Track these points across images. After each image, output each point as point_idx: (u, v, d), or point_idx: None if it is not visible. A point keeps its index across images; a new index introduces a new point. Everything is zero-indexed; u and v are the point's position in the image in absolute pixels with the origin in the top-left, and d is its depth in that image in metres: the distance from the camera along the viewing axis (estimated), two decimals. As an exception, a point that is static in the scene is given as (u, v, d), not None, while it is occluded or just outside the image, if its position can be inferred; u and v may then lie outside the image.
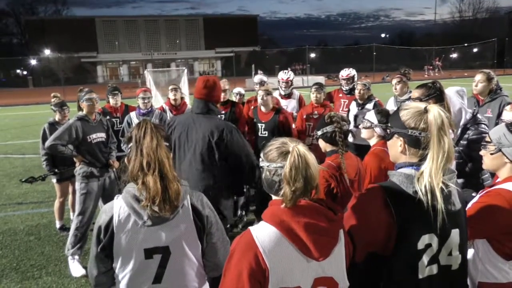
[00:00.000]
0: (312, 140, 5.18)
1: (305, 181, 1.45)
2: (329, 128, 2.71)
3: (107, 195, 4.42)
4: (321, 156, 2.43)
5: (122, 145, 4.82)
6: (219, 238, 1.92)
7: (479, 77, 4.45)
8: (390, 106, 5.16)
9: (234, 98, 5.97)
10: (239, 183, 3.66)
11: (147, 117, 4.84)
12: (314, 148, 2.30)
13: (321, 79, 29.28)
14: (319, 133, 2.79)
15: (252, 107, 5.27)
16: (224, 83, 5.51)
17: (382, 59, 47.62)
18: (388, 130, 1.69)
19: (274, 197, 1.59)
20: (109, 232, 1.76)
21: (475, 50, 51.85)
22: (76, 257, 4.31)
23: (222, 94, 5.40)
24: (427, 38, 66.28)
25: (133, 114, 4.87)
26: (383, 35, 79.42)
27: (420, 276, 1.56)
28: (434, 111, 1.53)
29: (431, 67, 41.86)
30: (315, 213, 1.48)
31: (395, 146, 1.65)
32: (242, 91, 5.99)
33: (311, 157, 1.48)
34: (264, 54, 62.93)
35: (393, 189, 1.57)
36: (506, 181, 1.98)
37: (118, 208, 1.78)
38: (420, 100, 3.17)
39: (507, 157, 2.00)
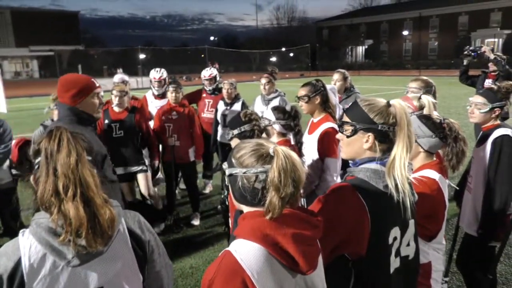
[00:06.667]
0: (175, 141, 4.93)
1: (294, 185, 1.28)
2: (247, 127, 2.54)
3: None
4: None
5: None
6: (163, 264, 1.57)
7: (336, 76, 4.89)
8: (258, 105, 5.27)
9: None
10: None
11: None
12: None
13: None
14: (235, 132, 2.56)
15: (104, 109, 4.73)
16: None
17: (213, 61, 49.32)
18: (352, 127, 1.60)
19: (247, 209, 1.37)
20: (16, 283, 1.27)
21: (291, 54, 58.03)
22: None
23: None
24: (251, 42, 71.30)
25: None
26: (212, 38, 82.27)
27: (391, 271, 1.55)
28: (400, 105, 1.53)
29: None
30: (299, 221, 1.32)
31: (359, 142, 1.60)
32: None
33: (296, 157, 1.32)
34: (90, 54, 58.35)
35: (364, 186, 1.52)
36: (424, 168, 2.17)
37: (27, 248, 1.29)
38: (309, 97, 3.27)
39: (421, 147, 2.19)
